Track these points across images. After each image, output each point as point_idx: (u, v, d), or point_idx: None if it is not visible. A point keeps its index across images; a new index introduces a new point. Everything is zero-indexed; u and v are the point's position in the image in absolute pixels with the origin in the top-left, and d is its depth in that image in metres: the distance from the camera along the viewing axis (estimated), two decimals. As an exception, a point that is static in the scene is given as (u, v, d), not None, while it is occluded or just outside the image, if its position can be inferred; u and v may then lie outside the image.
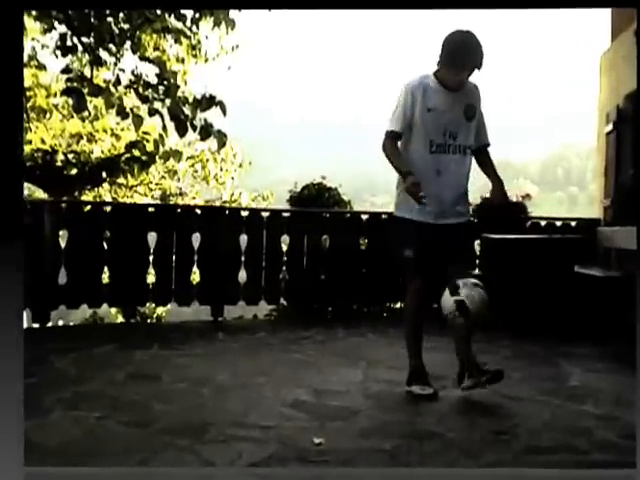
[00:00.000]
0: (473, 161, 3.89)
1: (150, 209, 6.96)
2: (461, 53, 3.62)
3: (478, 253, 6.89)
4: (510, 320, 5.94)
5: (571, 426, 3.31)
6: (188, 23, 7.00)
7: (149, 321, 8.54)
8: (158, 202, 12.01)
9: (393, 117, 3.77)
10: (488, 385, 3.70)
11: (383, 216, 6.89)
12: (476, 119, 3.81)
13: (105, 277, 6.48)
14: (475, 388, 3.70)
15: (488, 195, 7.12)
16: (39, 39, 8.28)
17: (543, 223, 7.35)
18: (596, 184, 8.03)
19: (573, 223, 7.45)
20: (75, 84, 6.75)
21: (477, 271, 6.97)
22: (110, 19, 6.60)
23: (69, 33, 6.73)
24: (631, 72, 6.80)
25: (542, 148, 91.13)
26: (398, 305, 6.91)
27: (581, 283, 6.01)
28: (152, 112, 6.84)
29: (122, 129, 11.22)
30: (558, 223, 7.42)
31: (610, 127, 7.30)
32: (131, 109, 7.17)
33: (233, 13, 6.82)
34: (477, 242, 6.93)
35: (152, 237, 6.57)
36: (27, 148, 9.73)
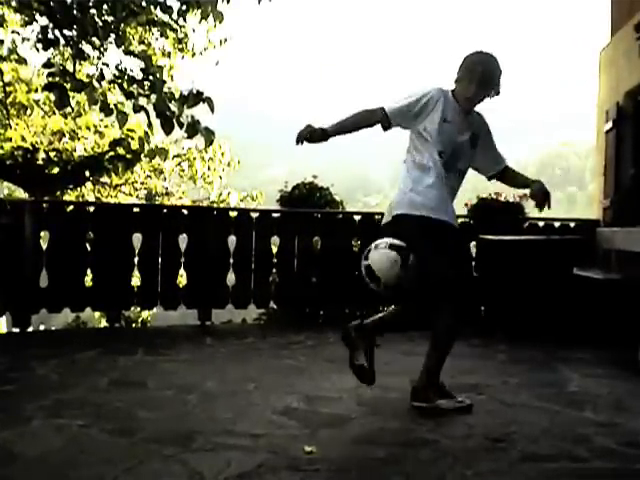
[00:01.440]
0: None
1: (135, 209, 6.86)
2: (483, 78, 3.54)
3: (474, 254, 6.81)
4: (507, 323, 5.89)
5: (570, 433, 3.26)
6: (174, 16, 6.84)
7: (134, 325, 8.49)
8: (143, 202, 11.98)
9: (396, 102, 3.58)
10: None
11: (376, 217, 6.79)
12: (483, 146, 3.73)
13: (88, 280, 6.39)
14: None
15: (485, 196, 7.21)
16: (19, 32, 8.13)
17: (541, 224, 7.29)
18: (595, 184, 7.97)
19: (572, 224, 7.40)
20: (57, 79, 6.59)
21: (473, 273, 6.88)
22: (93, 11, 6.41)
23: (51, 25, 6.57)
24: (631, 68, 6.71)
25: (540, 147, 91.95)
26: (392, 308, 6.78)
27: (580, 285, 5.97)
28: (137, 108, 6.68)
29: (106, 126, 11.14)
30: (556, 224, 7.36)
31: (610, 125, 7.24)
32: (115, 105, 6.99)
33: (222, 6, 6.65)
34: (473, 243, 6.85)
35: (137, 238, 6.48)
36: (7, 146, 9.63)
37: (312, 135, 3.49)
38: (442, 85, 3.66)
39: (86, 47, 6.77)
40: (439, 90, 3.59)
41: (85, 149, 10.96)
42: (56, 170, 9.74)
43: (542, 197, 3.66)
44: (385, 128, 3.61)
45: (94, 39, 6.65)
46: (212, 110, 6.61)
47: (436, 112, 3.53)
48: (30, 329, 6.09)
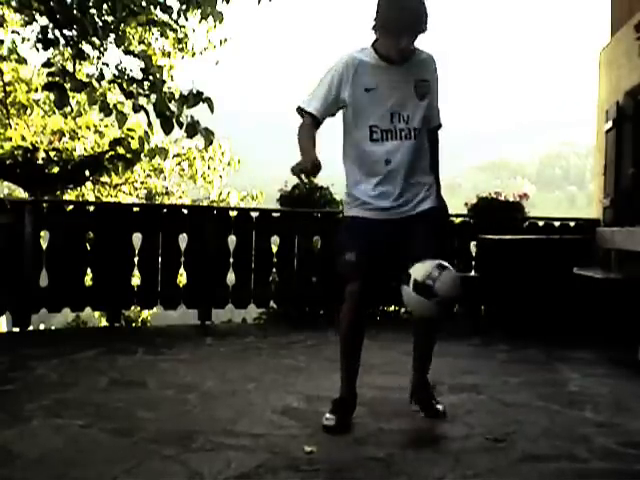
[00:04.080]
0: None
1: (135, 209, 6.86)
2: (401, 14, 2.96)
3: (474, 254, 6.82)
4: (507, 323, 5.89)
5: (570, 433, 3.24)
6: (174, 16, 6.83)
7: (134, 325, 8.44)
8: (143, 201, 11.97)
9: (312, 95, 3.17)
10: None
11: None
12: (430, 96, 3.20)
13: (88, 279, 6.38)
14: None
15: (485, 195, 7.22)
16: (19, 32, 8.13)
17: (541, 223, 7.31)
18: (595, 183, 7.96)
19: (572, 223, 7.41)
20: (57, 79, 6.59)
21: (473, 272, 6.89)
22: (93, 11, 6.41)
23: (51, 25, 6.57)
24: (631, 68, 6.71)
25: (540, 147, 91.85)
26: (392, 308, 6.80)
27: (580, 285, 5.96)
28: (137, 108, 6.68)
29: (106, 126, 11.15)
30: (556, 223, 7.37)
31: (610, 125, 7.23)
32: (115, 105, 6.99)
33: (221, 6, 6.65)
34: (473, 243, 6.86)
35: (137, 238, 6.47)
36: (7, 145, 9.63)
37: (312, 170, 3.01)
38: (353, 48, 3.18)
39: (86, 47, 6.78)
40: (342, 59, 3.13)
41: (85, 149, 10.97)
42: (56, 170, 9.73)
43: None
44: (317, 123, 3.18)
45: (94, 39, 6.65)
46: (212, 110, 6.62)
47: (353, 85, 3.09)
48: (30, 328, 6.06)
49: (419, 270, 2.94)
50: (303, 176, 3.06)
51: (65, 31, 6.60)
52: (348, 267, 3.28)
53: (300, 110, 3.18)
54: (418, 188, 3.23)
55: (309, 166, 2.96)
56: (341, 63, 3.11)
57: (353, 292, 3.31)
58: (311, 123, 3.15)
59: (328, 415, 3.23)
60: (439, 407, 3.40)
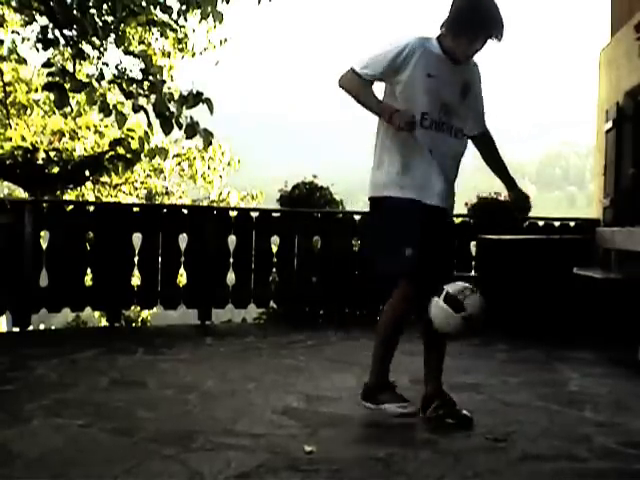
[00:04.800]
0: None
1: (135, 209, 6.86)
2: (481, 20, 3.05)
3: (474, 254, 6.81)
4: (507, 323, 5.87)
5: (570, 433, 3.23)
6: (174, 16, 6.84)
7: (134, 325, 8.44)
8: (143, 201, 11.95)
9: (375, 59, 3.11)
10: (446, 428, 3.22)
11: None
12: (472, 100, 3.27)
13: (88, 279, 6.38)
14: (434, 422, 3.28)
15: (485, 195, 7.22)
16: (19, 32, 8.13)
17: (541, 223, 7.30)
18: (595, 183, 7.95)
19: (572, 223, 7.40)
20: (57, 79, 6.59)
21: (473, 272, 6.88)
22: (93, 11, 6.41)
23: (50, 25, 6.57)
24: (631, 68, 6.70)
25: (540, 146, 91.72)
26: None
27: (580, 285, 5.95)
28: (136, 108, 6.68)
29: (106, 126, 11.15)
30: (556, 223, 7.37)
31: (609, 125, 7.22)
32: (114, 106, 6.99)
33: (221, 6, 6.65)
34: (473, 243, 6.85)
35: (137, 238, 6.46)
36: (7, 145, 9.62)
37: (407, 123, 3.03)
38: (416, 34, 3.21)
39: (86, 47, 6.78)
40: (419, 40, 3.14)
41: (85, 149, 10.97)
42: (56, 170, 9.72)
43: (523, 203, 3.46)
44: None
45: (94, 39, 6.66)
46: (211, 111, 6.62)
47: (417, 66, 3.09)
48: (30, 328, 6.06)
49: (453, 286, 3.10)
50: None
51: (65, 31, 6.61)
52: (407, 265, 3.16)
53: (354, 72, 3.13)
54: (451, 187, 3.29)
55: (406, 119, 2.99)
56: (411, 42, 3.11)
57: (410, 296, 3.24)
58: (365, 83, 3.13)
59: (398, 405, 3.28)
60: (465, 412, 3.32)
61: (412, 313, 3.37)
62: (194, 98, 6.58)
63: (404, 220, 3.17)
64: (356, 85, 3.13)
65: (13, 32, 8.13)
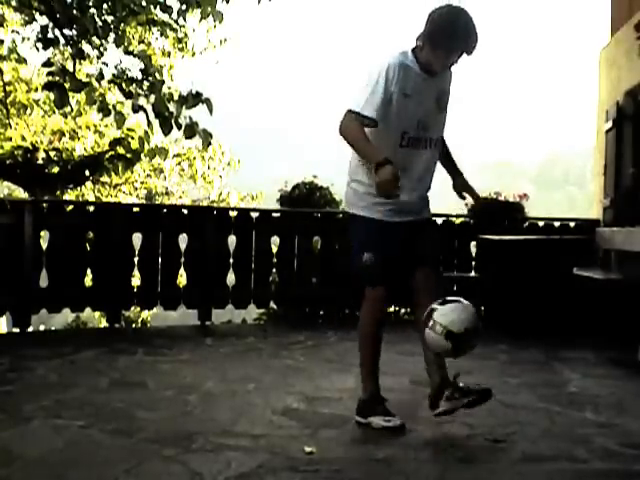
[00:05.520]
0: None
1: (135, 209, 6.86)
2: (458, 33, 3.07)
3: (474, 254, 6.81)
4: (507, 324, 5.87)
5: (570, 433, 3.24)
6: (174, 15, 6.83)
7: (134, 325, 8.45)
8: (143, 201, 11.94)
9: (369, 99, 3.09)
10: (470, 408, 3.18)
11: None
12: (444, 107, 3.29)
13: (88, 280, 6.37)
14: (455, 412, 3.22)
15: (485, 195, 7.21)
16: (19, 31, 8.13)
17: (541, 224, 7.28)
18: (595, 183, 7.94)
19: (572, 224, 7.39)
20: (57, 78, 6.58)
21: (473, 273, 6.88)
22: (93, 11, 6.41)
23: (50, 25, 6.56)
24: (631, 68, 6.69)
25: (540, 147, 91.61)
26: (392, 309, 6.79)
27: (580, 285, 5.95)
28: (136, 109, 6.67)
29: (106, 126, 11.15)
30: (556, 224, 7.34)
31: (610, 125, 7.21)
32: (114, 106, 6.99)
33: (221, 6, 6.64)
34: (473, 243, 6.85)
35: (137, 238, 6.46)
36: (7, 145, 9.62)
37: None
38: (396, 50, 3.20)
39: (86, 47, 6.77)
40: (394, 60, 3.12)
41: (85, 148, 10.97)
42: (56, 169, 9.74)
43: (467, 192, 3.48)
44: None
45: (94, 39, 6.65)
46: (211, 112, 6.61)
47: (395, 88, 3.09)
48: (30, 329, 6.05)
49: (440, 310, 3.01)
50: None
51: (65, 31, 6.60)
52: (370, 269, 3.26)
53: (354, 113, 3.09)
54: (423, 197, 3.38)
55: (391, 178, 2.90)
56: (392, 64, 3.11)
57: (379, 296, 3.32)
58: (361, 126, 3.09)
59: (384, 418, 3.19)
60: (479, 385, 3.28)
61: (386, 315, 3.48)
62: (193, 98, 6.57)
63: (369, 235, 3.27)
64: (356, 131, 3.09)
65: (13, 32, 8.13)
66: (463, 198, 3.61)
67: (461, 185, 3.48)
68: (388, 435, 3.15)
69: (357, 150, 3.16)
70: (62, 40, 6.71)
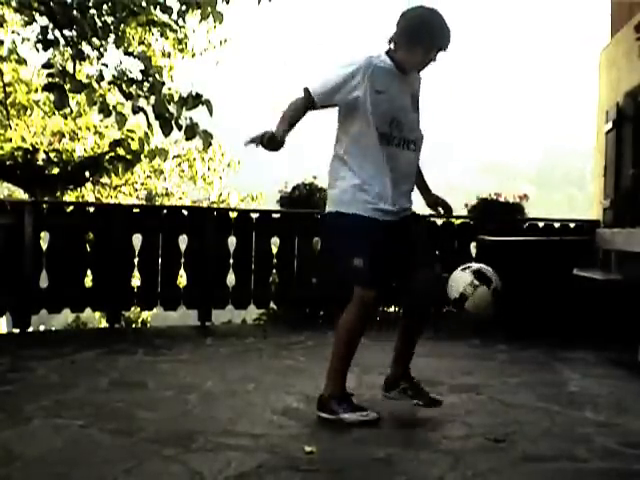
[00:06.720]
0: None
1: (135, 210, 6.91)
2: (437, 31, 3.19)
3: (474, 255, 6.81)
4: (507, 324, 5.86)
5: (570, 433, 3.24)
6: (174, 16, 6.82)
7: (134, 326, 8.42)
8: (143, 202, 11.94)
9: (323, 82, 3.18)
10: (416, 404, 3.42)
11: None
12: (417, 110, 3.38)
13: (88, 280, 6.37)
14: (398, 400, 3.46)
15: (485, 196, 7.21)
16: (19, 32, 8.12)
17: (541, 224, 7.29)
18: (595, 184, 7.95)
19: (572, 224, 7.39)
20: (57, 79, 6.58)
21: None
22: (93, 11, 6.41)
23: (51, 26, 6.56)
24: (631, 69, 6.70)
25: (540, 147, 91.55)
26: (392, 309, 6.79)
27: (580, 286, 5.94)
28: (136, 110, 6.67)
29: (106, 127, 11.14)
30: (556, 224, 7.35)
31: (610, 125, 7.22)
32: (114, 107, 6.99)
33: (221, 6, 6.65)
34: (473, 244, 6.84)
35: (137, 239, 6.45)
36: (7, 146, 9.61)
37: (268, 142, 3.03)
38: (371, 51, 3.29)
39: (86, 47, 6.77)
40: (367, 59, 3.20)
41: (85, 150, 10.96)
42: (56, 170, 9.74)
43: (442, 207, 3.56)
44: (310, 108, 3.21)
45: (94, 39, 6.65)
46: (211, 113, 6.61)
47: (366, 86, 3.16)
48: (30, 329, 6.05)
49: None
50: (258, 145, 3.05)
51: (65, 31, 6.60)
52: (358, 273, 3.24)
53: (305, 90, 3.19)
54: (408, 196, 3.38)
55: (265, 138, 2.99)
56: (362, 61, 3.18)
57: (368, 301, 3.30)
58: (304, 104, 3.18)
59: (354, 414, 3.25)
60: (434, 395, 3.45)
61: (372, 317, 3.48)
62: (194, 100, 6.57)
63: (359, 235, 3.25)
64: (290, 104, 3.18)
65: (13, 32, 8.13)
66: (438, 213, 3.67)
67: (434, 202, 3.56)
68: (388, 435, 3.15)
69: (281, 118, 3.16)
70: (62, 41, 6.71)
